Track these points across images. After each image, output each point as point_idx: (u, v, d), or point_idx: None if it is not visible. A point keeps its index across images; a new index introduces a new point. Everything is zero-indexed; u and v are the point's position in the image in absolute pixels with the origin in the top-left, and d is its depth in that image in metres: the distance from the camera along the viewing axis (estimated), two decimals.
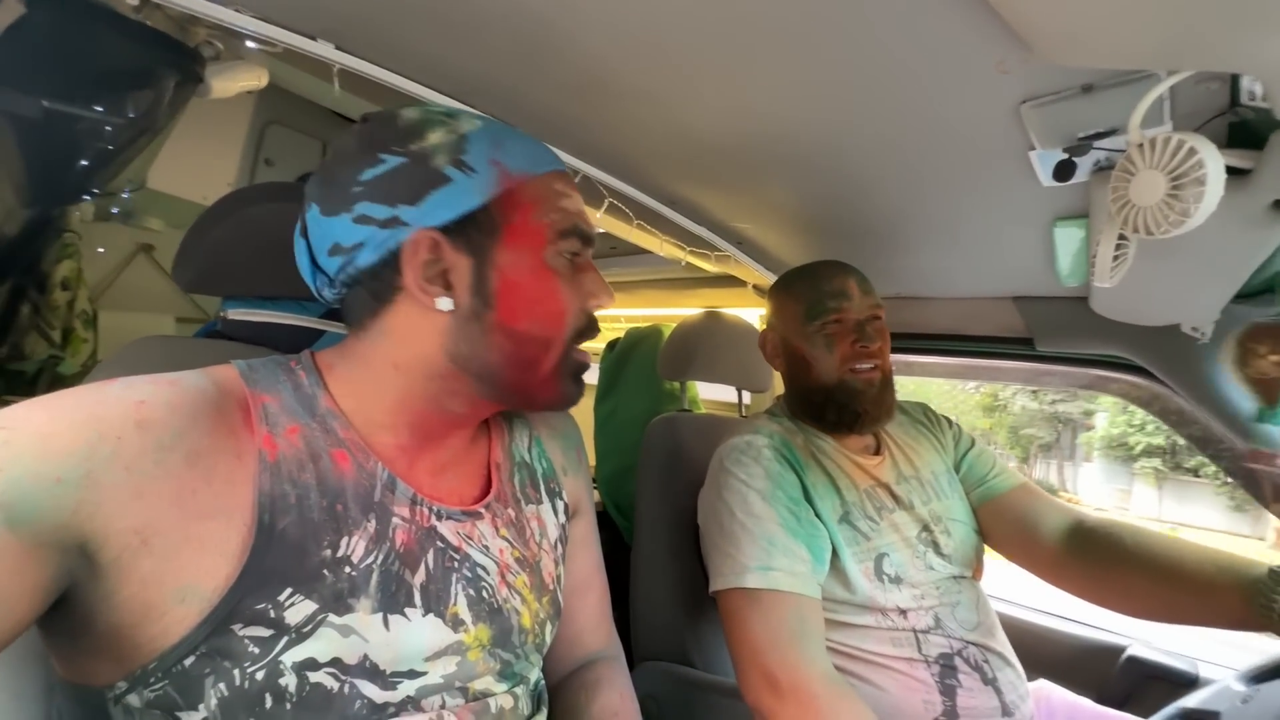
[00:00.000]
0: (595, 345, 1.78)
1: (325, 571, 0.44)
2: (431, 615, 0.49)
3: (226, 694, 0.41)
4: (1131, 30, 0.45)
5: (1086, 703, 0.95)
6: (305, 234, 0.51)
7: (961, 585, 0.89)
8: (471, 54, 0.75)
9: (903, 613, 0.84)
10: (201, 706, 0.41)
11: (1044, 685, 0.99)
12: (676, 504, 1.08)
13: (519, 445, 0.65)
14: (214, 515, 0.42)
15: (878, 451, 0.98)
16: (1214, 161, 0.48)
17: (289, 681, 0.42)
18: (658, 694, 1.02)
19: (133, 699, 0.42)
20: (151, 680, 0.41)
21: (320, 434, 0.48)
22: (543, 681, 0.62)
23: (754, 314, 1.59)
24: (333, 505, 0.47)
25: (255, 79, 1.00)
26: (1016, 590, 1.35)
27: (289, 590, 0.43)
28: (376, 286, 0.50)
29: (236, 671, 0.41)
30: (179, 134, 1.51)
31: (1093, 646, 1.18)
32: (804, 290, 0.97)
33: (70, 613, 0.40)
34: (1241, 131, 0.60)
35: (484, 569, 0.53)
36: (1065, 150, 0.67)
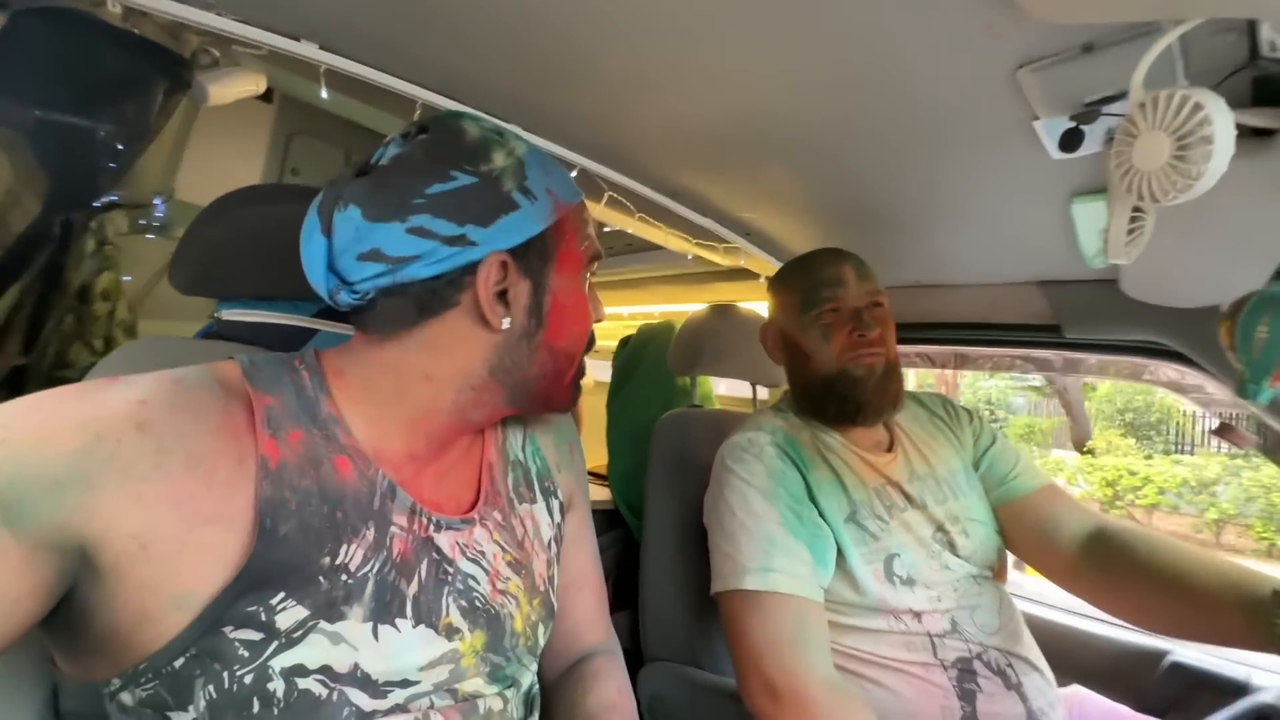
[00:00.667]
0: (607, 343, 1.78)
1: (321, 578, 0.44)
2: (422, 626, 0.48)
3: (215, 696, 0.41)
4: None
5: (1124, 710, 0.90)
6: (328, 233, 0.48)
7: (982, 587, 0.85)
8: (457, 49, 0.75)
9: (916, 615, 0.80)
10: (191, 708, 0.41)
11: (1077, 691, 0.94)
12: (684, 502, 1.06)
13: (513, 444, 0.64)
14: (213, 520, 0.42)
15: (890, 448, 0.94)
16: (1222, 118, 0.43)
17: (277, 686, 0.42)
18: (665, 695, 1.00)
19: (126, 697, 0.42)
20: (143, 680, 0.41)
21: (321, 440, 0.48)
22: (537, 686, 0.61)
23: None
24: (333, 512, 0.46)
25: (253, 85, 1.03)
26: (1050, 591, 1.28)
27: (281, 594, 0.43)
28: (428, 299, 0.49)
29: (225, 674, 0.41)
30: (207, 145, 1.56)
31: (1131, 651, 1.10)
32: (798, 281, 0.94)
33: (70, 613, 0.40)
34: (1266, 87, 0.55)
35: (474, 579, 0.53)
36: (1071, 118, 0.62)
